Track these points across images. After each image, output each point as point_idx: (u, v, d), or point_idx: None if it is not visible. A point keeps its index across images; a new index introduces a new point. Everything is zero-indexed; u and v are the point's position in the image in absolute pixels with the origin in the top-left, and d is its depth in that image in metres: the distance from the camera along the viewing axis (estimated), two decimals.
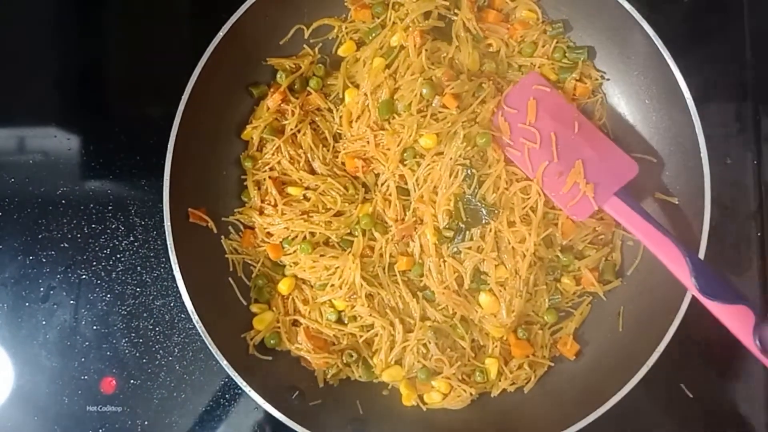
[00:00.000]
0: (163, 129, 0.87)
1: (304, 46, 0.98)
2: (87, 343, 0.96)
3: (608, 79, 0.95)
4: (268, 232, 0.94)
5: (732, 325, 0.76)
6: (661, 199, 0.90)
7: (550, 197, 0.89)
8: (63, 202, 1.00)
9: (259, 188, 0.95)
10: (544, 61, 0.94)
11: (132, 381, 0.95)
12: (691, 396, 0.93)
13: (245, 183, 0.95)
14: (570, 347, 0.91)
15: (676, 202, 0.88)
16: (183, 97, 0.87)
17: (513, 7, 0.96)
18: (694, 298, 0.80)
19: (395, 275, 0.91)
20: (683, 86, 0.84)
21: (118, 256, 0.99)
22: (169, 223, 0.85)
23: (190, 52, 0.90)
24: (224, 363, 0.83)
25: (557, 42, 0.94)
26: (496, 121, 0.91)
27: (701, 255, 0.82)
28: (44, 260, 0.99)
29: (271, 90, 0.95)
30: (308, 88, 0.96)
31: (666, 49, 0.84)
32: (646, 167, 0.90)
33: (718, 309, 0.77)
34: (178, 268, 0.84)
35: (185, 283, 0.84)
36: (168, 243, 0.85)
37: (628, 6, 0.85)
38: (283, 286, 0.93)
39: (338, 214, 0.93)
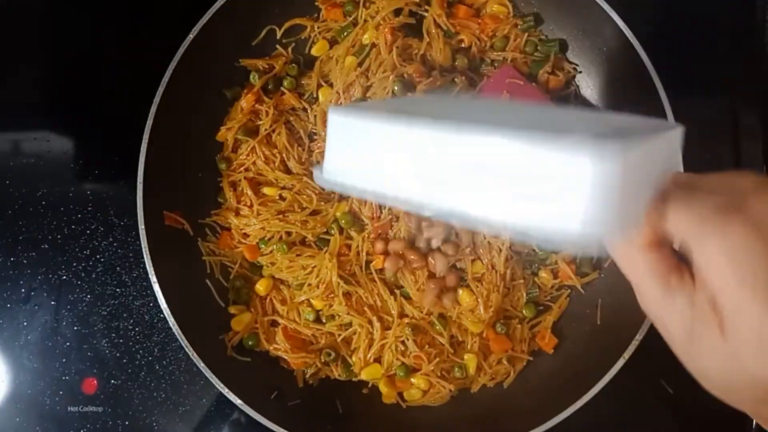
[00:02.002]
0: (142, 129, 0.87)
1: (277, 46, 0.98)
2: (68, 344, 0.97)
3: (581, 72, 0.94)
4: (245, 233, 0.94)
5: None
6: None
7: None
8: (43, 203, 1.01)
9: (234, 189, 0.95)
10: (516, 55, 0.93)
11: (113, 381, 0.95)
12: (671, 392, 0.92)
13: (221, 184, 0.96)
14: (548, 341, 0.91)
15: None
16: (154, 100, 0.87)
17: (483, 1, 0.95)
18: None
19: (372, 273, 0.92)
20: (655, 78, 0.83)
21: (98, 256, 0.99)
22: (143, 227, 0.85)
23: (169, 52, 0.90)
24: (201, 365, 0.83)
25: (529, 35, 0.94)
26: None
27: None
28: (25, 261, 0.99)
29: (245, 91, 0.95)
30: (282, 88, 0.96)
31: (637, 40, 0.84)
32: None
33: None
34: (153, 272, 0.84)
35: (162, 287, 0.84)
36: (143, 247, 0.85)
37: None
38: (261, 287, 0.93)
39: (314, 213, 0.93)
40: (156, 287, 0.84)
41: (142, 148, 0.87)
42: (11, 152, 1.03)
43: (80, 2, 1.09)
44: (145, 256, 0.85)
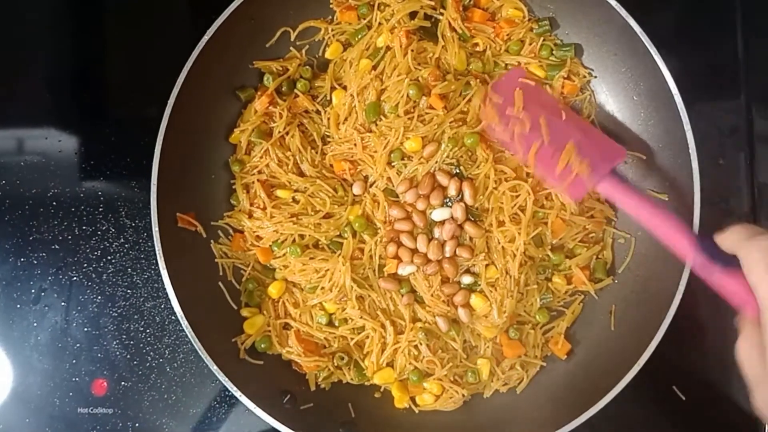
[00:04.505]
0: (154, 131, 0.87)
1: (291, 48, 0.98)
2: (78, 345, 0.96)
3: (596, 77, 0.94)
4: (258, 236, 0.93)
5: (738, 292, 0.66)
6: (651, 196, 0.89)
7: (544, 178, 0.87)
8: (54, 203, 1.00)
9: (247, 191, 0.94)
10: (530, 59, 0.93)
11: (123, 383, 0.95)
12: (683, 398, 0.92)
13: (234, 186, 0.95)
14: (561, 347, 0.91)
15: (666, 199, 0.87)
16: (169, 101, 0.87)
17: (499, 5, 0.94)
18: (685, 296, 0.79)
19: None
20: (670, 82, 0.83)
21: (109, 257, 0.99)
22: (157, 229, 0.85)
23: (182, 53, 0.89)
24: (214, 368, 0.83)
25: (544, 40, 0.94)
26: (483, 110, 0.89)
27: None
28: (35, 262, 0.99)
29: (259, 93, 0.95)
30: (296, 91, 0.96)
31: (653, 45, 0.83)
32: (636, 164, 0.90)
33: (722, 277, 0.68)
34: (167, 274, 0.84)
35: (175, 289, 0.84)
36: (156, 249, 0.85)
37: (613, 2, 0.84)
38: (274, 290, 0.92)
39: (327, 216, 0.92)
40: (169, 289, 0.84)
41: (156, 150, 0.86)
42: (19, 151, 1.03)
43: (96, 1, 1.09)
44: (158, 258, 0.84)
